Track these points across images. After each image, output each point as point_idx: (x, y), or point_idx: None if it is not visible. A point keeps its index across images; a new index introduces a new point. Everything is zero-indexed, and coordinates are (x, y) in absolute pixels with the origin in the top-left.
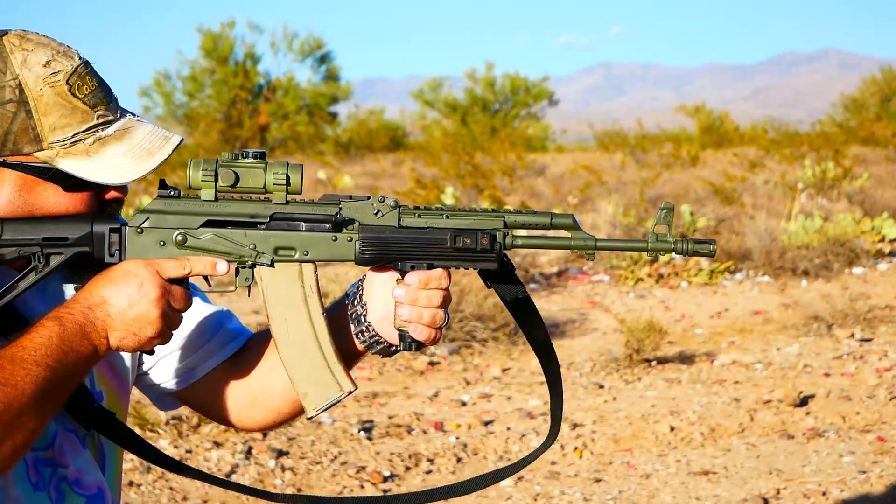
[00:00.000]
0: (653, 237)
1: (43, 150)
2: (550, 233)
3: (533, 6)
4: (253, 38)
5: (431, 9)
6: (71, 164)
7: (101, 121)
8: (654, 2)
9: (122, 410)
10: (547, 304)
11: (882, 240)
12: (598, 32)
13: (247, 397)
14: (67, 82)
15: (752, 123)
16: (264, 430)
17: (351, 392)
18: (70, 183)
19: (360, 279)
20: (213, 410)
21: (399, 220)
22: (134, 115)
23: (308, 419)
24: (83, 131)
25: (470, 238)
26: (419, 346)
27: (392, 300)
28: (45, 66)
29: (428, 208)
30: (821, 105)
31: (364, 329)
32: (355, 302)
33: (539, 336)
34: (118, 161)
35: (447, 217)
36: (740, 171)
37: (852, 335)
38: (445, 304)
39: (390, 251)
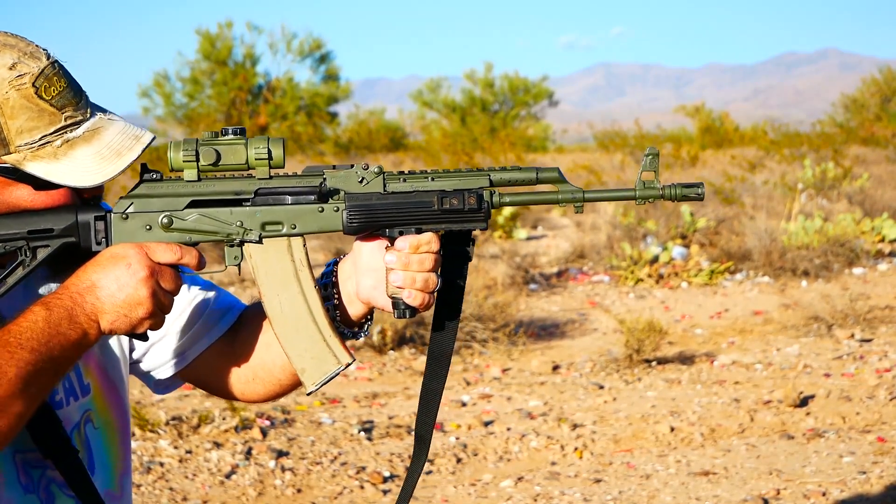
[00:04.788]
0: (640, 184)
1: (10, 153)
2: (538, 188)
3: (533, 6)
4: (252, 38)
5: (431, 9)
6: (39, 167)
7: (68, 122)
8: (655, 2)
9: (108, 404)
10: (547, 305)
11: (882, 240)
12: (598, 33)
13: (247, 373)
14: (34, 84)
15: (753, 124)
16: (268, 401)
17: (349, 364)
18: (40, 182)
19: (333, 262)
20: (214, 387)
21: (384, 186)
22: (105, 111)
23: (307, 394)
24: (50, 133)
25: (457, 199)
26: (413, 313)
27: (382, 268)
28: (10, 68)
29: (413, 172)
30: (821, 105)
31: (333, 317)
32: (328, 287)
33: (445, 343)
34: (86, 163)
35: (432, 179)
36: (740, 172)
37: (852, 335)
38: (436, 267)
39: (378, 218)
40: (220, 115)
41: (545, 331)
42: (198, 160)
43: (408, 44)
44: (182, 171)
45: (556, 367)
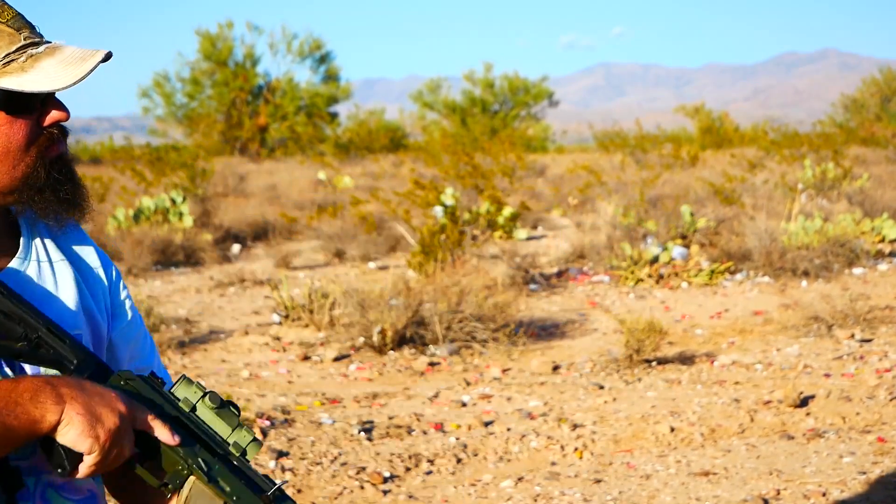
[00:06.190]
0: None
1: None
2: None
3: (533, 6)
4: (252, 38)
5: (431, 9)
6: (9, 82)
7: (28, 42)
8: (655, 2)
9: None
10: (547, 305)
11: (882, 240)
12: (598, 33)
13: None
14: None
15: (753, 124)
16: None
17: None
18: (12, 107)
19: None
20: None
21: None
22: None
23: None
24: (13, 52)
25: None
26: None
27: None
28: None
29: None
30: (821, 105)
31: None
32: None
33: None
34: (53, 70)
35: None
36: (740, 172)
37: (852, 336)
38: None
39: None
40: (221, 116)
41: (545, 331)
42: None
43: (408, 44)
44: None
45: (556, 368)
